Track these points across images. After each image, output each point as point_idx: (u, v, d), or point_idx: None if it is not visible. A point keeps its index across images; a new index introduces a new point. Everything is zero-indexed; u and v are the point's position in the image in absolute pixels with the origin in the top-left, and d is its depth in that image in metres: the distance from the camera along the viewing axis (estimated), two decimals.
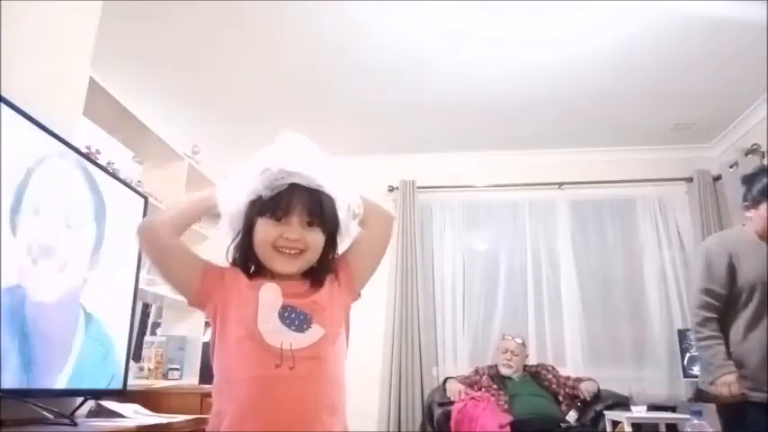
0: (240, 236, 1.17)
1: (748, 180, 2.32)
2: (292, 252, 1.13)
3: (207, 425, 1.13)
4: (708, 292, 2.16)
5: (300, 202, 1.12)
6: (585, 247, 4.39)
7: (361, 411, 3.95)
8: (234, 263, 1.19)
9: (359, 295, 1.25)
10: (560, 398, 3.65)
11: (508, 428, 3.25)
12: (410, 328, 4.18)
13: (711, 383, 2.07)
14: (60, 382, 1.74)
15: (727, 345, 2.12)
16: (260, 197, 1.11)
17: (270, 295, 1.12)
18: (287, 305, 1.11)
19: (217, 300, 1.13)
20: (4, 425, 1.50)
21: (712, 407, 3.12)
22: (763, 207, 2.18)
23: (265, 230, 1.12)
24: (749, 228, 2.24)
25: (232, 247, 1.19)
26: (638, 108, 3.87)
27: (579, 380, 3.70)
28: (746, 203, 2.27)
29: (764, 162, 3.67)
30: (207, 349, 3.65)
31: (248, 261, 1.17)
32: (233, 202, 1.14)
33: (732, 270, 2.15)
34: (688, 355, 3.81)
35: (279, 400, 1.04)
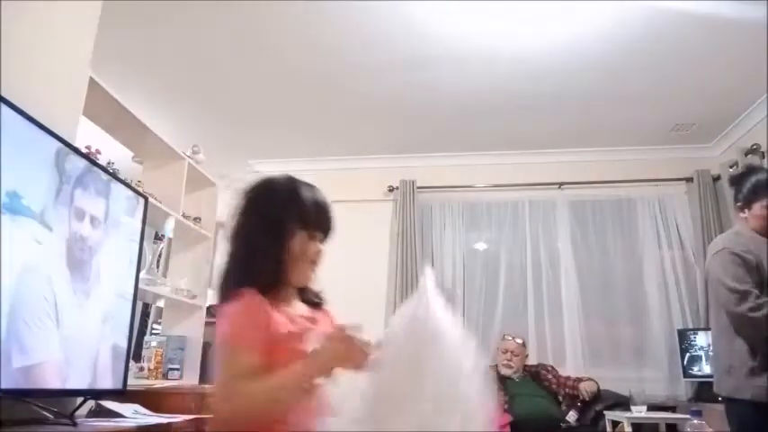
0: (270, 248, 1.10)
1: (736, 181, 2.33)
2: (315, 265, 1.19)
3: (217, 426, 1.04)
4: (744, 283, 2.08)
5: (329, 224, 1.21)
6: (585, 247, 4.39)
7: None
8: (255, 285, 1.07)
9: None
10: (560, 398, 3.65)
11: (508, 428, 3.25)
12: None
13: None
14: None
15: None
16: (301, 210, 1.14)
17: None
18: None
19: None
20: (4, 425, 1.50)
21: (712, 407, 3.13)
22: (756, 206, 2.19)
23: (306, 244, 1.16)
24: (749, 226, 2.24)
25: (248, 265, 1.10)
26: (638, 108, 3.86)
27: (579, 380, 3.69)
28: (739, 204, 2.27)
29: (749, 162, 3.67)
30: (207, 349, 3.61)
31: (278, 276, 1.12)
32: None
33: (759, 267, 2.10)
34: (688, 355, 3.81)
35: None
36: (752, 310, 2.04)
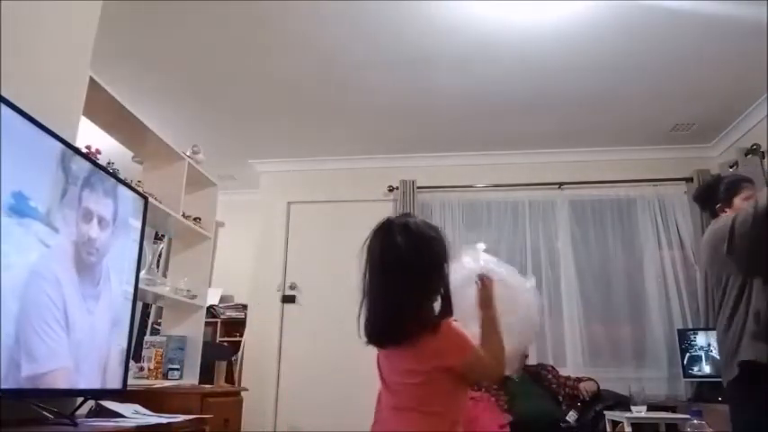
0: (442, 284, 1.34)
1: (707, 191, 2.45)
2: None
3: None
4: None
5: None
6: (585, 247, 4.39)
7: (363, 410, 3.95)
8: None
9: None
10: (560, 398, 3.64)
11: (508, 429, 3.25)
12: None
13: None
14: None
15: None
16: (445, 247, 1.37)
17: None
18: None
19: None
20: (4, 425, 1.50)
21: (713, 407, 3.13)
22: (736, 200, 2.27)
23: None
24: None
25: (434, 299, 1.34)
26: (638, 108, 3.87)
27: (579, 380, 3.69)
28: (719, 206, 2.36)
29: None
30: (207, 349, 3.60)
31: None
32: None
33: None
34: (688, 354, 3.81)
35: None
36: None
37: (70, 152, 1.78)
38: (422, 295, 1.32)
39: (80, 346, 1.77)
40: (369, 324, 1.33)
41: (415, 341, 1.27)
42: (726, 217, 2.21)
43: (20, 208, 1.50)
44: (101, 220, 1.92)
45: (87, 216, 1.84)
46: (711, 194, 2.39)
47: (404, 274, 1.31)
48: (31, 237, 1.55)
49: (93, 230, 1.86)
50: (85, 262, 1.81)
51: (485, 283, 1.40)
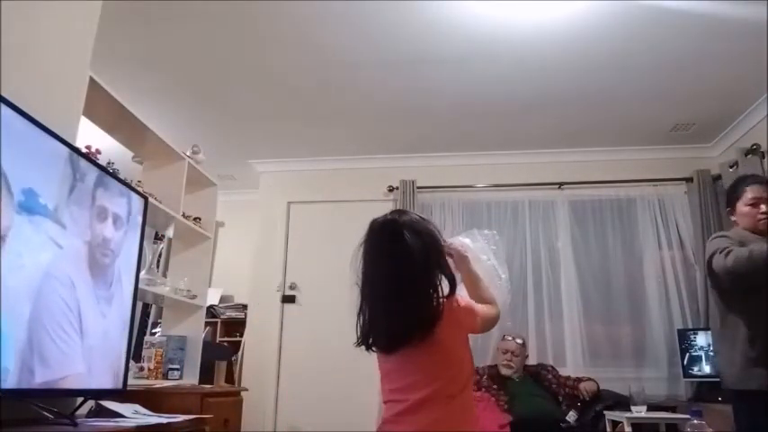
0: (447, 270, 1.42)
1: (727, 194, 2.48)
2: None
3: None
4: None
5: None
6: (585, 247, 4.39)
7: (363, 410, 3.95)
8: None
9: None
10: (560, 398, 3.65)
11: (508, 428, 3.25)
12: None
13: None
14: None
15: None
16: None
17: None
18: None
19: None
20: (4, 425, 1.50)
21: (713, 407, 3.13)
22: (739, 204, 2.31)
23: None
24: (741, 228, 2.31)
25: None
26: (638, 108, 3.86)
27: (579, 380, 3.69)
28: (728, 209, 2.40)
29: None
30: (207, 348, 3.61)
31: None
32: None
33: None
34: (688, 354, 3.81)
35: None
36: (732, 253, 2.09)
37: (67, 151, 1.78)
38: (435, 287, 1.35)
39: (93, 350, 1.75)
40: (383, 328, 1.32)
41: (437, 328, 1.31)
42: (712, 245, 2.24)
43: (30, 205, 1.48)
44: (116, 220, 1.90)
45: (102, 215, 1.82)
46: (728, 195, 2.44)
47: (419, 274, 1.33)
48: (42, 235, 1.53)
49: (108, 230, 1.84)
50: (99, 263, 1.79)
51: (453, 248, 1.51)
